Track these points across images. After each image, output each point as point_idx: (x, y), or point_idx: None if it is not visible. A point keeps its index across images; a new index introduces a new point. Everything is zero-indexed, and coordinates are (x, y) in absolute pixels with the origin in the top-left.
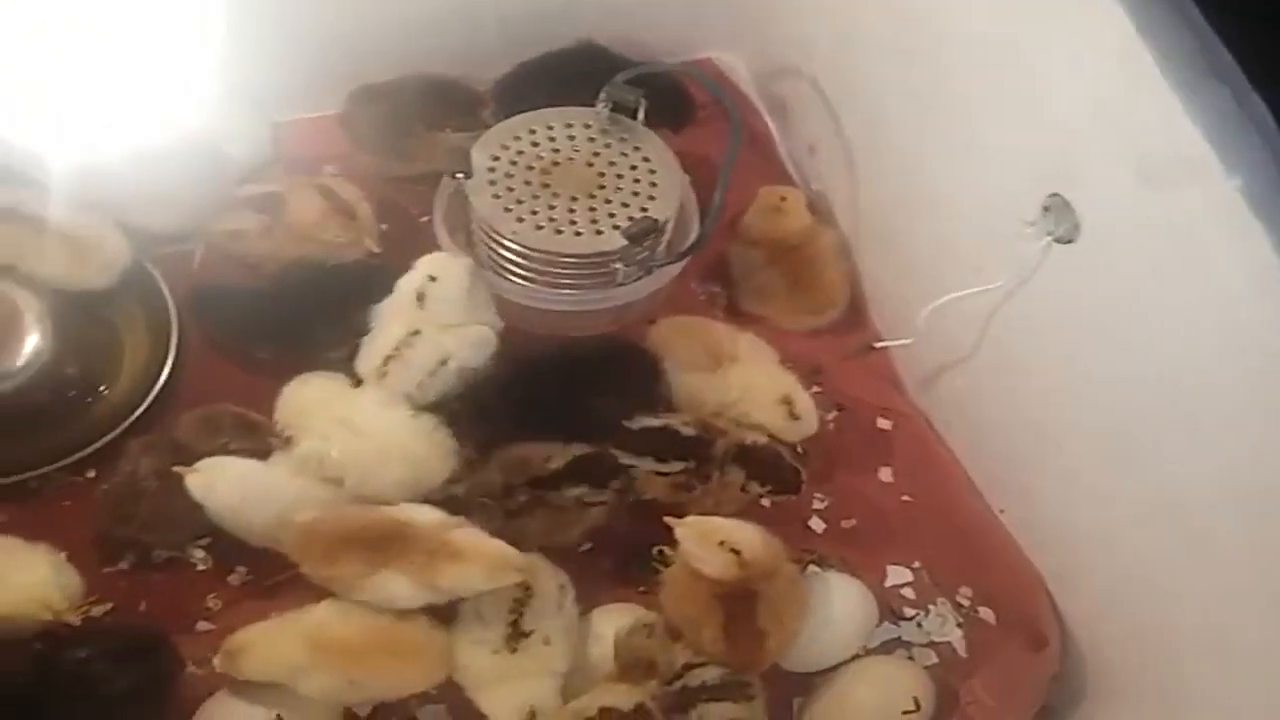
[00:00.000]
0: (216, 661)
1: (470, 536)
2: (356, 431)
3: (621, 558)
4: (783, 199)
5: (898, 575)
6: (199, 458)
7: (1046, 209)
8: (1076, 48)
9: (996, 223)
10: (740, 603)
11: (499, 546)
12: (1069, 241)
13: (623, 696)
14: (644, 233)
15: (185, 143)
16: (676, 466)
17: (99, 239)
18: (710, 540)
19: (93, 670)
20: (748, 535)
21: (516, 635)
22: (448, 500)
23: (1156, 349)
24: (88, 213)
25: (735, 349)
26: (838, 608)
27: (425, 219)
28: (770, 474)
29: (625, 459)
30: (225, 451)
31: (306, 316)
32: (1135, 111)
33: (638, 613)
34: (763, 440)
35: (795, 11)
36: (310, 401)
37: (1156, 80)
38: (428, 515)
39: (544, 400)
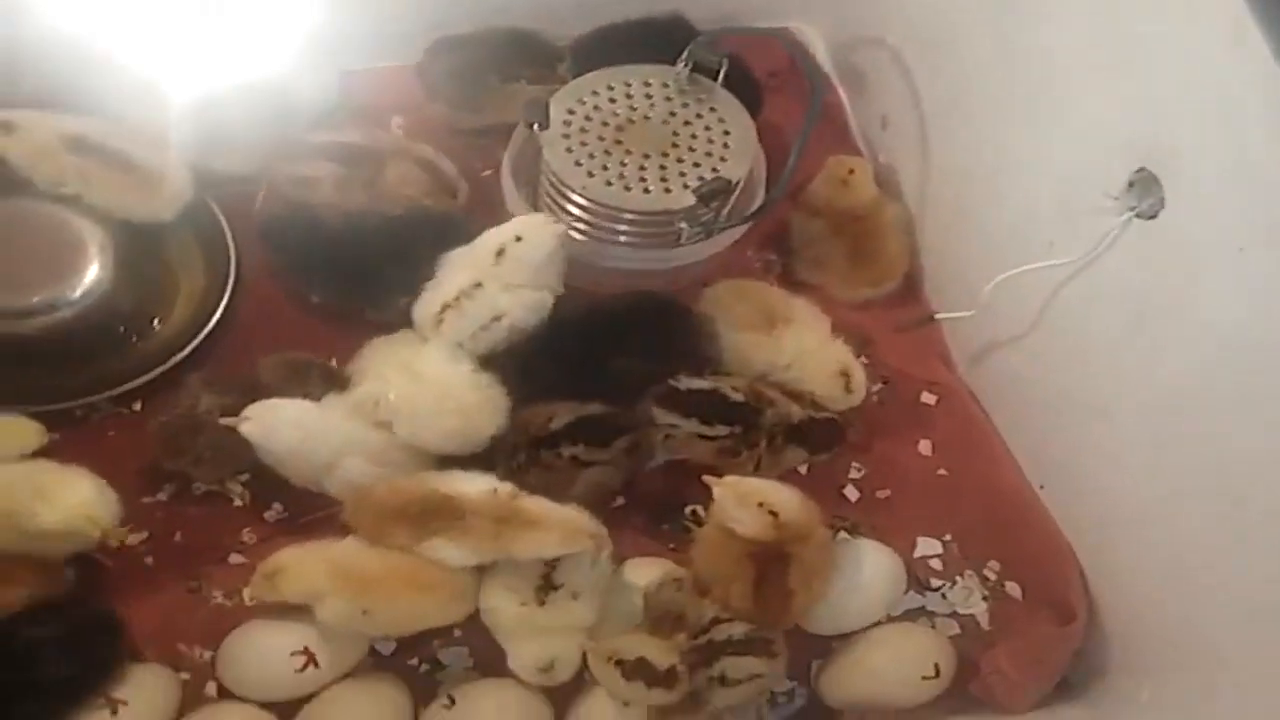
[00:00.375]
0: (251, 585)
1: (541, 505)
2: (416, 378)
3: (654, 514)
4: (851, 171)
5: (927, 546)
6: (259, 398)
7: (1132, 184)
8: (1181, 20)
9: (1075, 197)
10: (772, 563)
11: (572, 514)
12: (1151, 217)
13: (657, 653)
14: (715, 192)
15: (254, 86)
16: (722, 431)
17: (164, 173)
18: (749, 501)
19: (44, 653)
20: (785, 497)
21: (547, 588)
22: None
23: (1223, 328)
24: (155, 147)
25: (790, 312)
26: (865, 573)
27: (488, 173)
28: (816, 440)
29: (669, 418)
30: (296, 394)
31: (367, 265)
32: (1237, 90)
33: (667, 567)
34: (809, 413)
35: None
36: (388, 349)
37: (1265, 62)
38: (480, 484)
39: (587, 357)
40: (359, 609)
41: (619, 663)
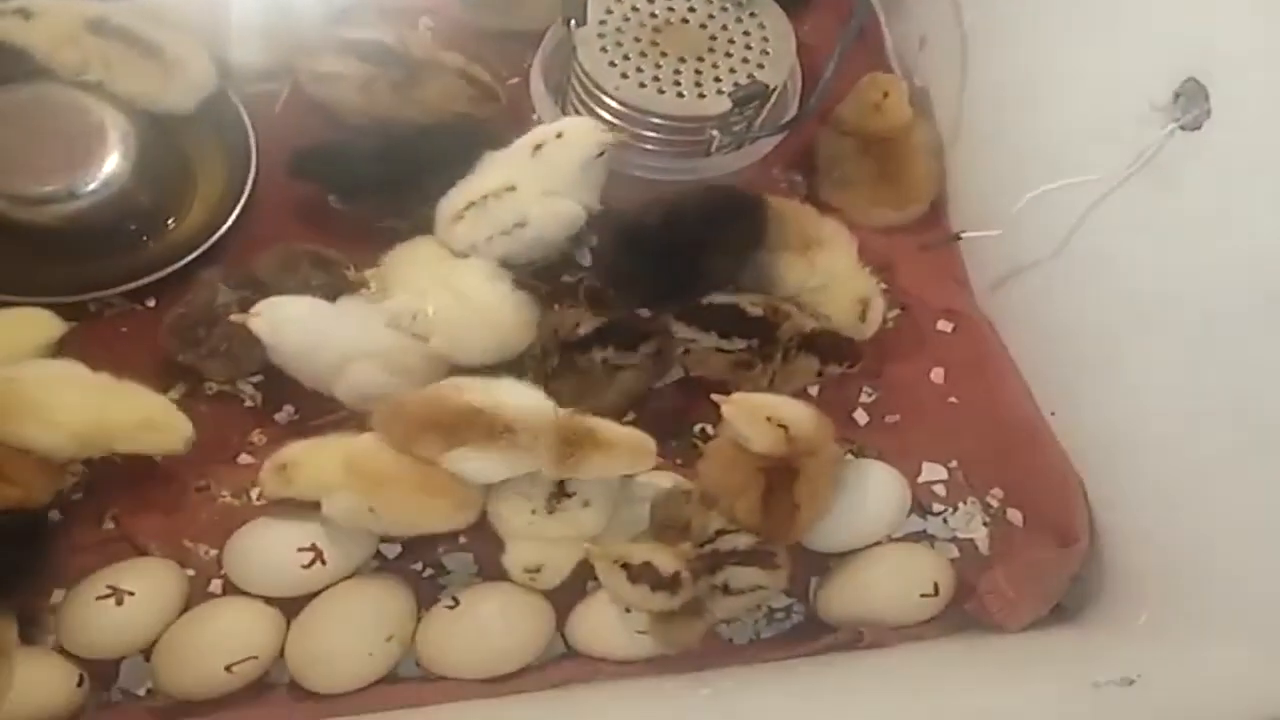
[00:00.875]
0: (261, 478)
1: (611, 427)
2: (459, 296)
3: (663, 431)
4: (885, 94)
5: (932, 472)
6: (274, 294)
7: (1178, 95)
8: None
9: (1117, 110)
10: (780, 476)
11: (636, 434)
12: (1195, 129)
13: (663, 558)
14: (751, 96)
15: None
16: (740, 344)
17: (187, 59)
18: (758, 416)
19: None
20: (796, 411)
21: (559, 495)
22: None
23: (1257, 249)
24: (178, 32)
25: (823, 235)
26: (869, 494)
27: (514, 81)
28: (831, 353)
29: (688, 332)
30: (305, 290)
31: (394, 172)
32: None
33: (675, 479)
34: (823, 326)
35: None
36: (415, 259)
37: None
38: (523, 397)
39: (677, 255)
40: (366, 506)
41: (625, 565)
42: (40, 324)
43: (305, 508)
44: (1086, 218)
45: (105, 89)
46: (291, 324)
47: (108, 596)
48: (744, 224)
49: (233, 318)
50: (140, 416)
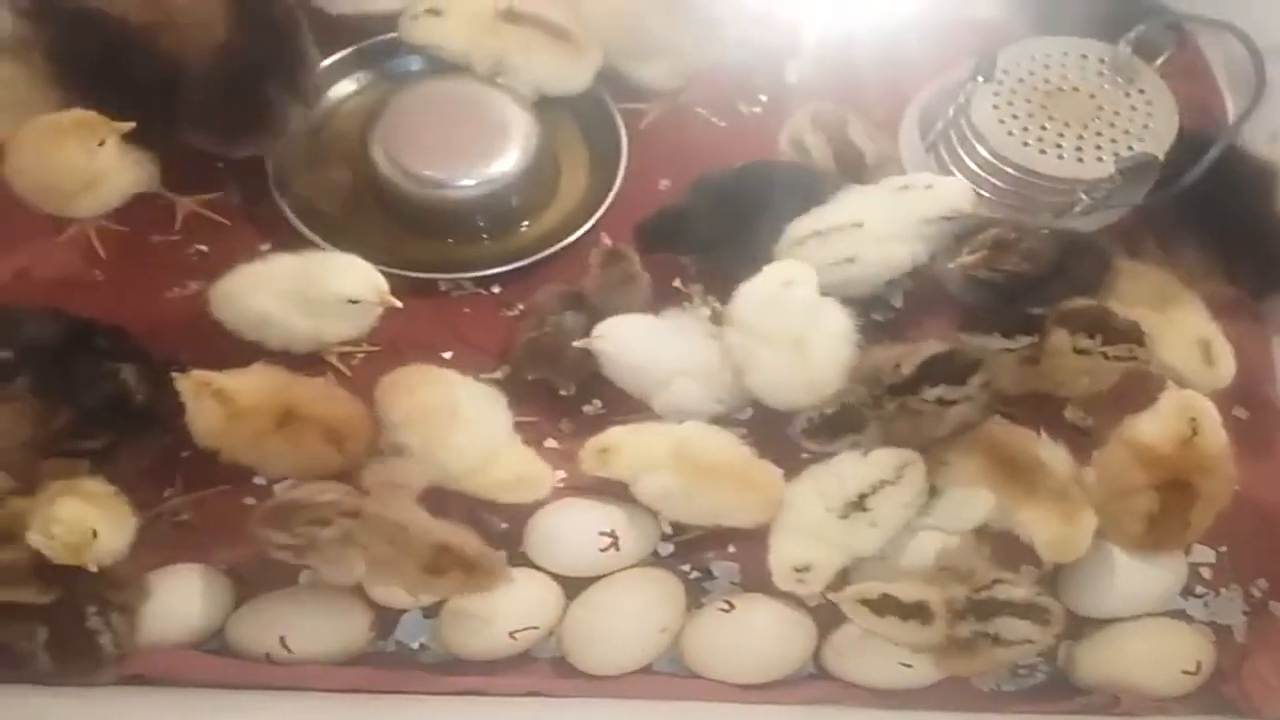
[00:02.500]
0: (582, 457)
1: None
2: (798, 346)
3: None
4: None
5: (1202, 554)
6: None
7: None
8: None
9: None
10: (1174, 491)
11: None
12: None
13: (909, 590)
14: (1139, 167)
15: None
16: (1023, 341)
17: (587, 38)
18: (1184, 412)
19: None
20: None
21: (855, 507)
22: (843, 410)
23: None
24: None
25: (1175, 293)
26: (1146, 565)
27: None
28: (1105, 330)
29: (972, 340)
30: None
31: (732, 222)
32: None
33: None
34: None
35: None
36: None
37: None
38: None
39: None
40: (684, 490)
41: (864, 602)
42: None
43: (601, 494)
44: None
45: (517, 75)
46: (628, 343)
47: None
48: (1090, 265)
49: (577, 343)
50: (513, 474)
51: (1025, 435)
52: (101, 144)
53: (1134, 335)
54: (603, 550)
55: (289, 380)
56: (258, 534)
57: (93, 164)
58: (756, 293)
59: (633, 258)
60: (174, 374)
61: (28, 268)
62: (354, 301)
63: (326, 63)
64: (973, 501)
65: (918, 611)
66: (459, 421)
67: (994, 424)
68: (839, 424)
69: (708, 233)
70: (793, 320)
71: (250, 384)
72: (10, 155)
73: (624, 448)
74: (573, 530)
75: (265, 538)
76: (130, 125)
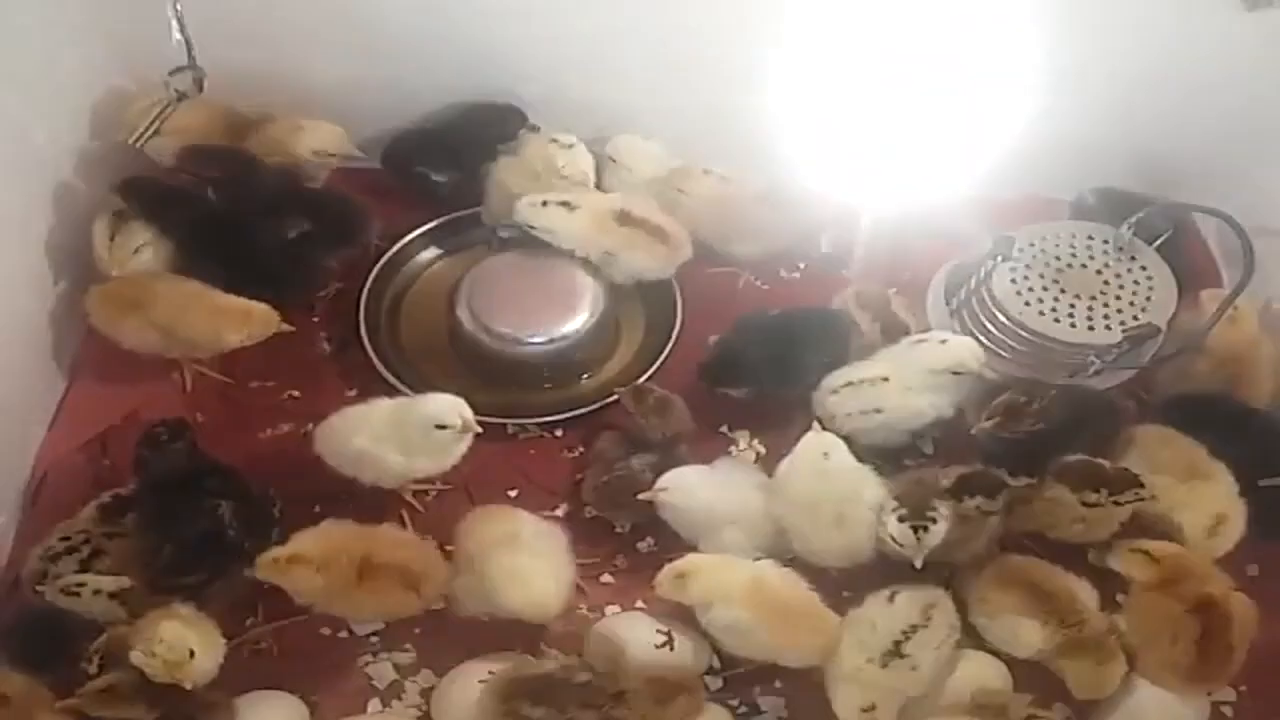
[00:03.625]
0: (659, 582)
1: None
2: (835, 516)
3: None
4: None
5: (1223, 693)
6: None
7: None
8: None
9: None
10: (1213, 618)
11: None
12: None
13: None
14: (1144, 335)
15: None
16: (1023, 481)
17: (682, 237)
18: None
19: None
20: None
21: (894, 654)
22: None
23: None
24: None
25: (1209, 471)
26: (1174, 702)
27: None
28: (1105, 483)
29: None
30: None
31: (783, 362)
32: None
33: (997, 665)
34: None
35: None
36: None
37: None
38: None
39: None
40: (755, 625)
41: None
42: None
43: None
44: None
45: (617, 265)
46: (688, 494)
47: None
48: (1104, 420)
49: (641, 496)
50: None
51: (1056, 572)
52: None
53: (1131, 480)
54: (658, 646)
55: (358, 533)
56: (511, 708)
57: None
58: (799, 467)
59: (654, 389)
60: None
61: (137, 409)
62: (442, 427)
63: (417, 231)
64: (1024, 629)
65: None
66: (524, 555)
67: (1027, 560)
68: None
69: (754, 368)
70: (835, 490)
71: (322, 544)
72: (158, 314)
73: (701, 575)
74: (634, 631)
75: (522, 713)
76: (292, 329)
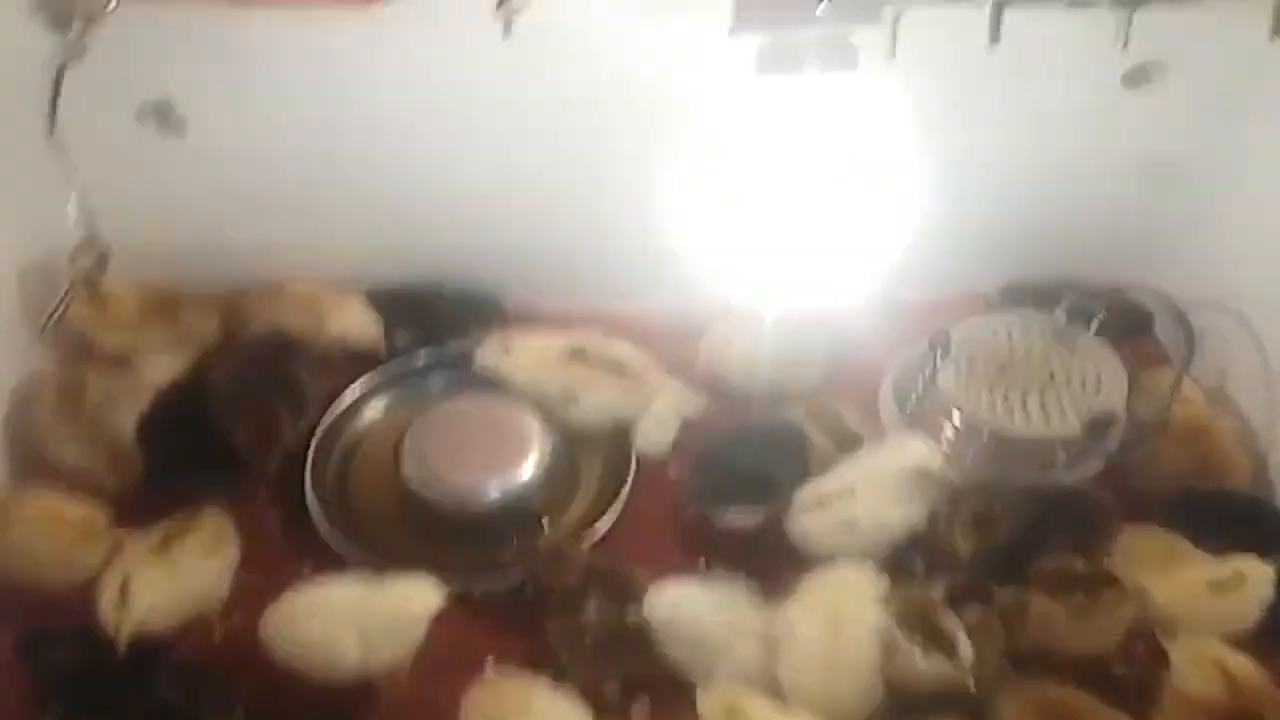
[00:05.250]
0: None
1: None
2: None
3: None
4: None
5: None
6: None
7: None
8: None
9: None
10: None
11: None
12: None
13: None
14: (1101, 423)
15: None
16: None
17: (646, 373)
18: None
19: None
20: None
21: None
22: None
23: None
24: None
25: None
26: None
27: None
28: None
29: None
30: None
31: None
32: None
33: None
34: None
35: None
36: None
37: None
38: None
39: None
40: None
41: None
42: (426, 594)
43: None
44: None
45: (575, 406)
46: (683, 608)
47: None
48: (1083, 513)
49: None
50: None
51: (1090, 702)
52: None
53: (1105, 577)
54: None
55: None
56: None
57: None
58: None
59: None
60: None
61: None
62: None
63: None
64: None
65: None
66: None
67: (1065, 691)
68: None
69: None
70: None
71: None
72: None
73: (748, 715)
74: None
75: None
76: None
